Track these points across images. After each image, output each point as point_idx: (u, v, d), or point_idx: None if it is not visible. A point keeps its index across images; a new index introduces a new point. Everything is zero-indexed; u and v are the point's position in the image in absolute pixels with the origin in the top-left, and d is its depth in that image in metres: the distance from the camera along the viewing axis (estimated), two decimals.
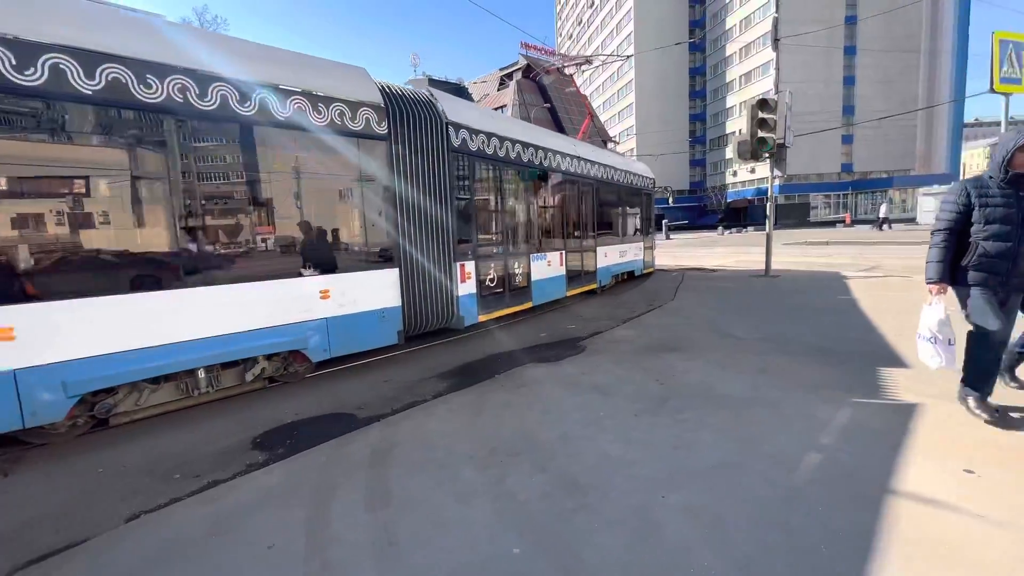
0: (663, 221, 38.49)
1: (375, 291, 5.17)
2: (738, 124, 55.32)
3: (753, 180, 55.99)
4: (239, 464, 3.38)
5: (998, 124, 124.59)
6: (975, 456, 3.00)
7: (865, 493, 2.64)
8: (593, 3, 75.38)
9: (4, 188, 3.11)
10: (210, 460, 3.45)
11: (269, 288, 4.30)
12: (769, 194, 12.15)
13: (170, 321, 3.76)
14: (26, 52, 3.10)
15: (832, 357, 5.12)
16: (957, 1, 68.10)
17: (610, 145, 60.01)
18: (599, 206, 9.96)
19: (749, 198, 56.52)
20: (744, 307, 8.09)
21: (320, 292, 4.67)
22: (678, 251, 23.89)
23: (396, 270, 5.39)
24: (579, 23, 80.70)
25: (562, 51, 65.62)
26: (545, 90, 47.98)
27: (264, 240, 4.32)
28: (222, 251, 4.08)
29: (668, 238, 35.72)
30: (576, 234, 9.13)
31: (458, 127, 6.14)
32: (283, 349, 4.48)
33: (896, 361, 4.88)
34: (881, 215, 27.60)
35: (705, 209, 65.01)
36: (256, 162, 4.22)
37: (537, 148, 7.78)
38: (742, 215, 56.61)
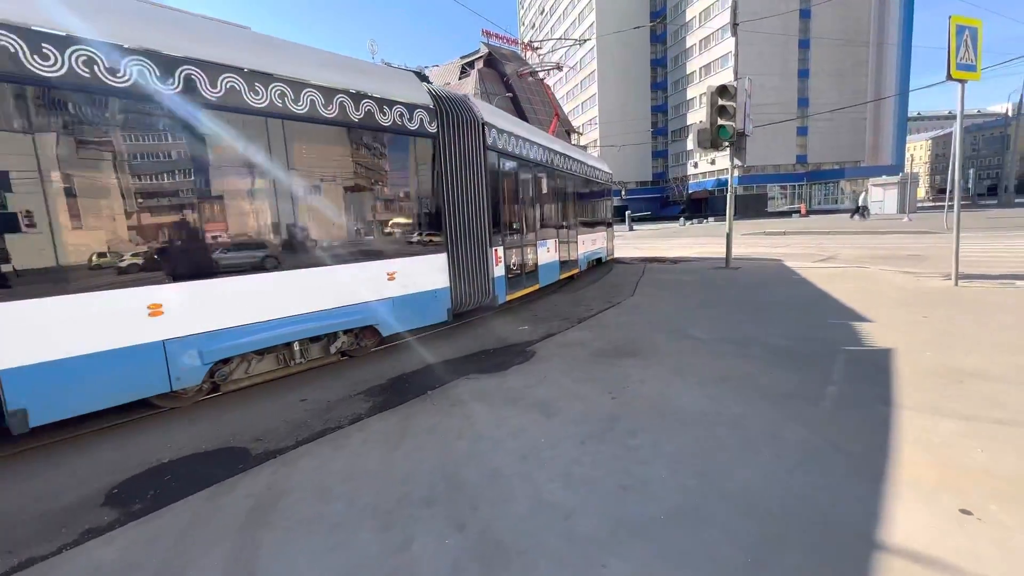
0: (627, 212, 38.50)
1: (429, 273, 5.85)
2: (699, 116, 55.94)
3: (713, 171, 56.84)
4: (74, 530, 2.63)
5: (940, 118, 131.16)
6: (970, 489, 2.55)
7: (848, 550, 2.14)
8: None
9: (160, 190, 3.71)
10: (39, 523, 2.69)
11: (350, 271, 4.93)
12: (729, 185, 11.88)
13: (277, 300, 4.38)
14: (257, 79, 4.18)
15: (797, 359, 4.70)
16: (900, 1, 70.78)
17: (574, 137, 59.80)
18: (579, 199, 10.99)
19: (709, 189, 57.38)
20: (705, 303, 7.69)
21: (387, 275, 5.33)
22: (641, 242, 23.77)
23: (444, 254, 6.07)
24: (541, 12, 79.85)
25: (525, 40, 64.67)
26: (507, 79, 47.12)
27: (346, 228, 4.96)
28: (317, 238, 4.68)
29: (631, 229, 35.70)
30: (565, 224, 10.07)
31: (490, 127, 6.78)
32: (360, 324, 5.15)
33: (865, 363, 4.49)
34: (860, 203, 28.08)
35: (667, 200, 65.77)
36: (340, 161, 4.85)
37: (544, 147, 8.77)
38: (703, 206, 57.45)
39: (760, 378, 4.27)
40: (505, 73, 47.92)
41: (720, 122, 10.99)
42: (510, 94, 43.94)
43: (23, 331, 3.10)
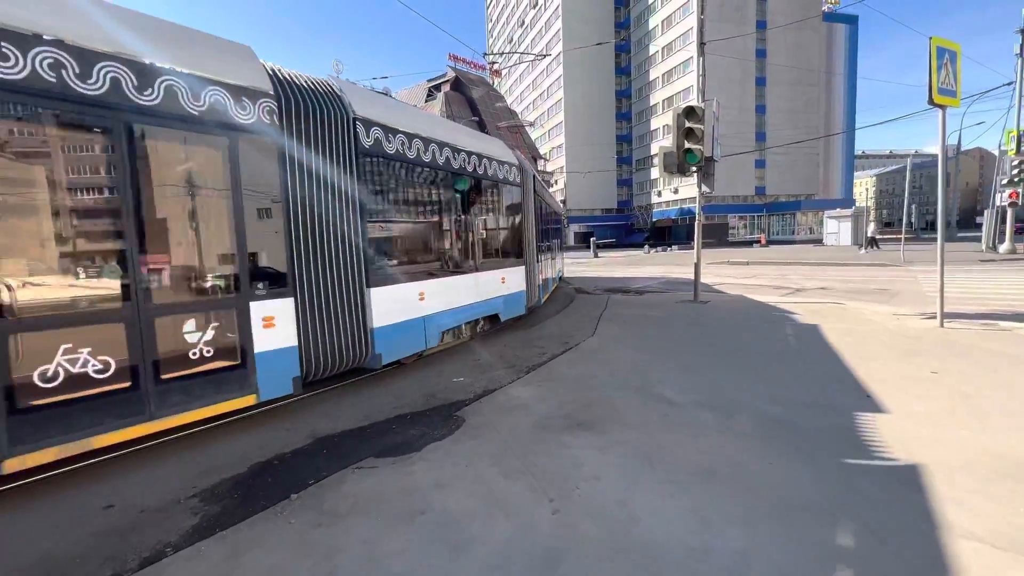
0: (591, 239, 37.97)
1: (516, 279, 8.12)
2: (663, 145, 57.01)
3: (677, 200, 57.67)
4: None
5: (883, 156, 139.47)
6: None
7: None
8: (523, 22, 75.85)
9: (436, 227, 6.25)
10: None
11: (488, 275, 7.22)
12: (697, 212, 11.09)
13: (463, 293, 6.66)
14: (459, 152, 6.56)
15: (799, 438, 3.58)
16: (846, 46, 75.27)
17: (540, 163, 59.80)
18: (543, 222, 10.88)
19: (673, 218, 58.11)
20: (675, 346, 6.61)
21: (501, 279, 7.62)
22: (604, 269, 23.06)
23: (524, 267, 8.38)
24: (509, 41, 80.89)
25: (494, 66, 64.81)
26: (474, 103, 46.69)
27: (488, 248, 7.36)
28: (481, 253, 7.10)
29: (596, 256, 35.12)
30: (540, 245, 10.38)
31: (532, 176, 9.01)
32: (492, 312, 7.37)
33: (890, 443, 3.41)
34: (869, 234, 27.72)
35: (632, 228, 66.33)
36: (486, 203, 7.35)
37: (543, 184, 9.91)
38: (667, 234, 58.02)
39: (760, 473, 3.10)
40: (471, 97, 47.52)
41: (687, 145, 10.22)
42: (476, 117, 43.40)
43: (383, 306, 5.06)
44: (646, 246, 42.20)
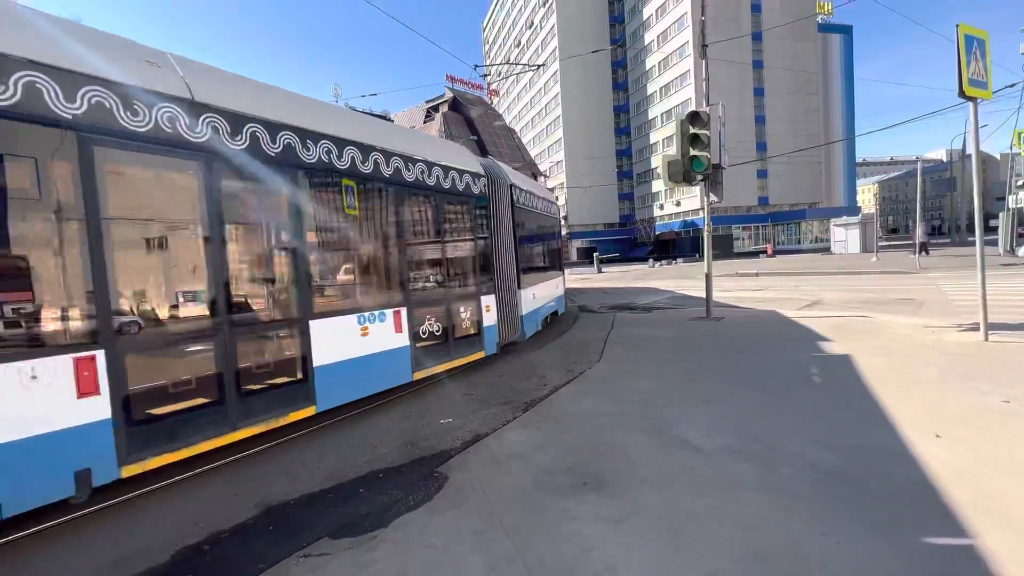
0: (594, 254, 37.33)
1: (559, 285, 11.44)
2: (659, 160, 56.64)
3: (679, 213, 57.09)
4: None
5: (883, 163, 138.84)
6: None
7: None
8: (519, 42, 76.55)
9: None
10: None
11: (553, 279, 10.81)
12: (706, 222, 10.46)
13: (543, 293, 9.60)
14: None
15: (865, 500, 2.84)
16: (841, 55, 75.45)
17: (540, 179, 59.59)
18: (548, 240, 11.30)
19: (677, 231, 57.43)
20: (691, 373, 5.87)
21: (555, 284, 10.99)
22: (609, 285, 22.34)
23: (562, 275, 12.00)
24: (506, 62, 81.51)
25: (492, 86, 65.19)
26: (472, 123, 46.60)
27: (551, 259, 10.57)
28: (548, 262, 10.53)
29: (600, 271, 34.44)
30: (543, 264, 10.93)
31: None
32: (555, 310, 10.82)
33: (988, 508, 2.66)
34: (919, 239, 26.79)
35: (635, 242, 65.65)
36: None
37: (532, 194, 9.78)
38: (671, 247, 57.27)
39: (827, 559, 2.35)
40: (470, 116, 47.50)
41: (693, 152, 9.62)
42: (475, 137, 43.20)
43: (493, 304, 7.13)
44: (650, 260, 41.45)
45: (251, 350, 4.04)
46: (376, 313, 5.19)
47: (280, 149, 4.30)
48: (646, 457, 3.59)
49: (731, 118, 50.55)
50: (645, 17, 60.04)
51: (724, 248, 49.58)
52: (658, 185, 60.29)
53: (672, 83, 56.00)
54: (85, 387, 3.06)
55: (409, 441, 4.27)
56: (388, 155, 5.44)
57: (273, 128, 4.25)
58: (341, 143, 4.90)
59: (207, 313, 3.80)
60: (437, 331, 6.06)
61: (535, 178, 51.06)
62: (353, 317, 4.92)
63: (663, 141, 58.65)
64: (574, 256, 63.91)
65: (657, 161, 59.19)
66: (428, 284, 6.10)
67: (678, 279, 23.51)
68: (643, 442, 3.87)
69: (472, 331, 6.73)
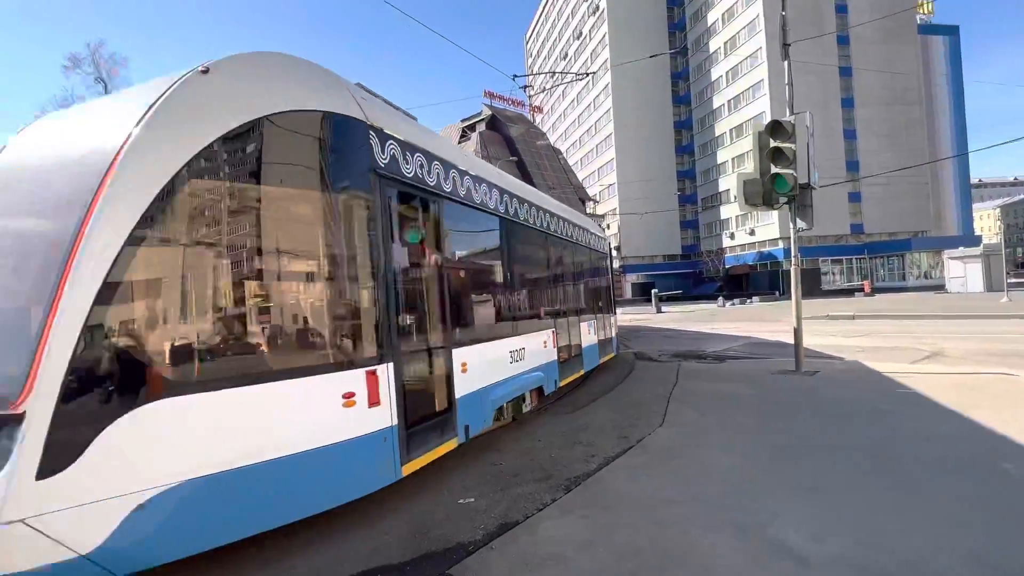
0: (653, 291, 36.48)
1: (607, 327, 12.41)
2: (731, 182, 55.60)
3: (754, 243, 55.51)
4: None
5: (1005, 184, 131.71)
6: None
7: None
8: (566, 55, 78.52)
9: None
10: None
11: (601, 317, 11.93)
12: (793, 254, 9.90)
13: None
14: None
15: None
16: (947, 60, 73.13)
17: (589, 205, 59.67)
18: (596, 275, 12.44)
19: (750, 264, 55.78)
20: (784, 446, 5.23)
21: (600, 326, 11.69)
22: (671, 326, 21.73)
23: (614, 315, 13.33)
24: (551, 76, 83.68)
25: (534, 103, 66.76)
26: (512, 142, 47.53)
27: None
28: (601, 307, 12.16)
29: (660, 311, 33.52)
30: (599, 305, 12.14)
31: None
32: (611, 354, 12.52)
33: None
34: None
35: (702, 277, 64.17)
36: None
37: (584, 231, 11.40)
38: (744, 283, 55.58)
39: None
40: (510, 136, 48.46)
41: (775, 170, 9.17)
42: (515, 157, 43.97)
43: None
44: (720, 298, 40.15)
45: (417, 375, 4.83)
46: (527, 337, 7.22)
47: (490, 201, 6.55)
48: (732, 570, 3.01)
49: (816, 132, 49.43)
50: (710, 23, 60.47)
51: (810, 285, 47.52)
52: (728, 211, 59.10)
53: (743, 95, 55.61)
54: (374, 398, 4.06)
55: (419, 528, 3.84)
56: (539, 210, 8.49)
57: (493, 187, 6.68)
58: (527, 203, 7.89)
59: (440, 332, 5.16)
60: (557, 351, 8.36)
61: (583, 204, 51.37)
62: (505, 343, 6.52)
63: (732, 161, 57.90)
64: (628, 292, 62.97)
65: (726, 183, 58.25)
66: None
67: (754, 322, 22.65)
68: (725, 546, 3.29)
69: (575, 353, 9.44)
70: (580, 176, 67.84)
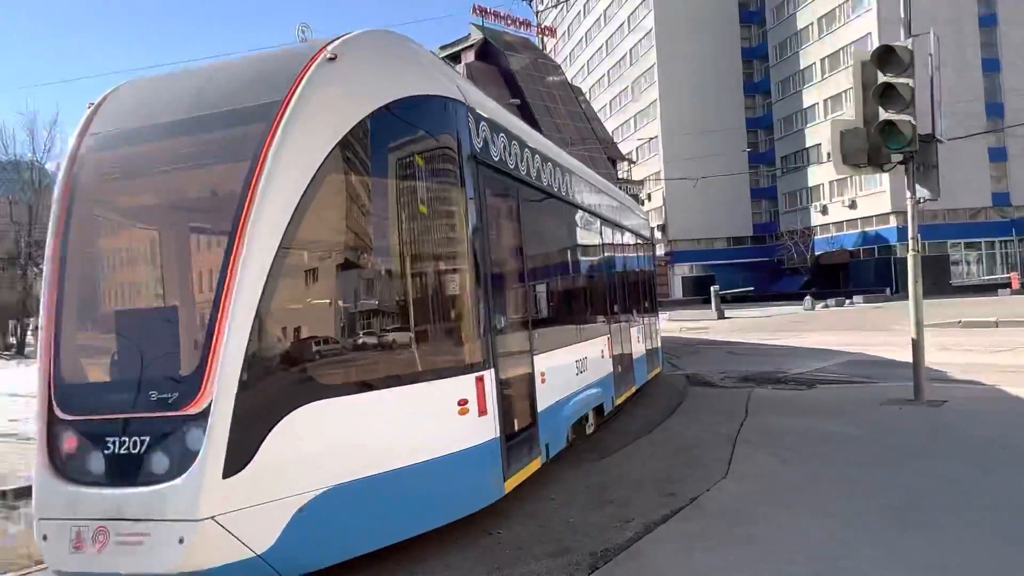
0: (712, 288, 36.66)
1: (648, 336, 13.31)
2: (823, 132, 55.69)
3: (855, 220, 55.78)
4: None
5: None
6: None
7: None
8: None
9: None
10: None
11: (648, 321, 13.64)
12: (910, 235, 10.00)
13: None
14: None
15: None
16: None
17: (621, 168, 59.95)
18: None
19: (850, 249, 55.98)
20: (904, 512, 5.36)
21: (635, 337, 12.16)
22: (738, 338, 22.09)
23: (657, 319, 15.18)
24: None
25: (543, 22, 66.89)
26: (512, 78, 47.72)
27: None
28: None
29: (722, 316, 33.69)
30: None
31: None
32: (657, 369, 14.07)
33: None
34: None
35: (781, 268, 64.46)
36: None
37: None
38: (841, 277, 55.82)
39: None
40: (509, 69, 48.62)
41: (886, 116, 9.28)
42: (516, 100, 44.08)
43: None
44: (807, 298, 40.34)
45: (508, 383, 5.93)
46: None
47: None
48: None
49: (944, 63, 49.56)
50: None
51: (934, 278, 47.79)
52: (818, 175, 59.40)
53: (839, 9, 55.80)
54: (482, 406, 5.12)
55: None
56: (595, 190, 10.30)
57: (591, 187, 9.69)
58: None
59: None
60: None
61: (613, 166, 51.56)
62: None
63: (824, 104, 58.09)
64: (677, 290, 63.37)
65: (816, 135, 58.43)
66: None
67: (855, 331, 23.01)
68: None
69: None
70: (609, 127, 68.35)
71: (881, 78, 9.30)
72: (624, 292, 11.27)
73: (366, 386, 4.59)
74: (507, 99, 43.37)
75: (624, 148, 65.69)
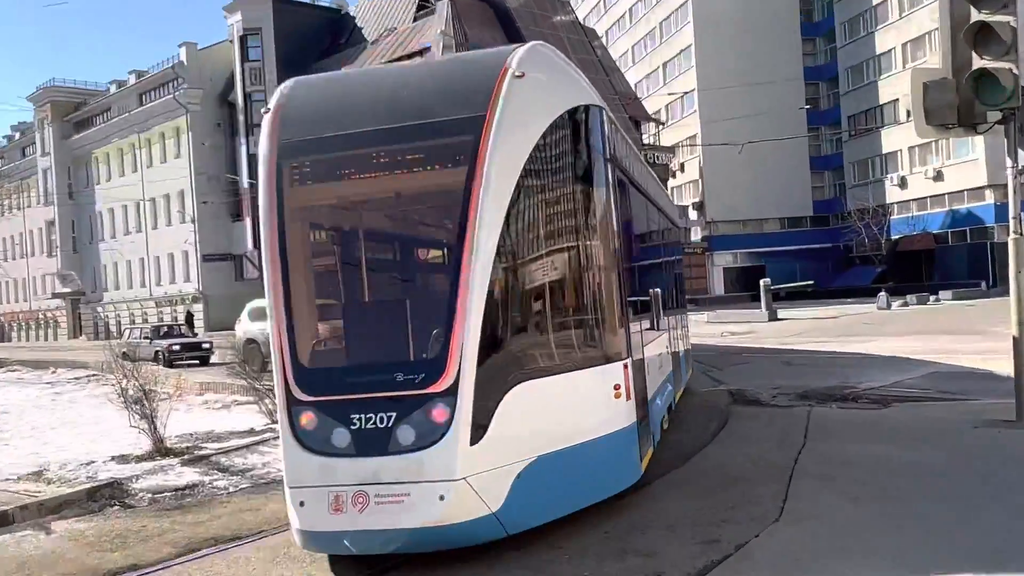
0: (762, 283, 36.68)
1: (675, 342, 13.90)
2: (901, 84, 55.69)
3: (941, 196, 55.91)
4: None
5: None
6: None
7: None
8: None
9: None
10: None
11: (683, 316, 16.80)
12: (1011, 212, 9.93)
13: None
14: None
15: None
16: None
17: (648, 129, 59.89)
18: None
19: (934, 232, 56.07)
20: (1007, 560, 5.37)
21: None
22: (794, 345, 22.30)
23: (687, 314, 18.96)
24: None
25: None
26: (508, 17, 47.68)
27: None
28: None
29: (774, 317, 33.76)
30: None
31: None
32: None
33: None
34: None
35: (849, 256, 64.58)
36: None
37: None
38: (924, 267, 55.96)
39: None
40: (504, 4, 48.49)
41: (981, 63, 9.28)
42: (517, 45, 43.99)
43: None
44: (881, 294, 40.44)
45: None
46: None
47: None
48: None
49: None
50: None
51: None
52: (894, 139, 59.59)
53: None
54: (628, 391, 6.99)
55: None
56: (649, 175, 12.41)
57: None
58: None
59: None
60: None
61: (636, 127, 51.56)
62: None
63: (902, 49, 58.12)
64: (717, 285, 63.60)
65: (891, 89, 58.45)
66: None
67: (941, 335, 23.25)
68: None
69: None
70: (630, 79, 68.34)
71: (975, 15, 9.33)
72: (663, 279, 12.81)
73: (556, 370, 6.47)
74: (501, 42, 43.50)
75: (650, 106, 65.77)
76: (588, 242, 7.09)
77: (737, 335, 27.83)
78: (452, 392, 5.53)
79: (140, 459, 11.38)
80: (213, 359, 30.79)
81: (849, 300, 46.10)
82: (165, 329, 37.14)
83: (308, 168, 6.62)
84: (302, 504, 5.67)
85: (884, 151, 61.36)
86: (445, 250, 6.62)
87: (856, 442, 9.27)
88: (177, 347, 31.91)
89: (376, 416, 5.60)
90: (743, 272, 62.45)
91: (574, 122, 6.89)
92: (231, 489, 9.68)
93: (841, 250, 65.30)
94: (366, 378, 5.95)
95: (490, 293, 5.80)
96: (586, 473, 6.53)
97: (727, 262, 65.82)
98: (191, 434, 13.62)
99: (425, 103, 6.52)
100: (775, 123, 60.61)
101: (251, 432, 13.69)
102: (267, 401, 13.87)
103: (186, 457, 11.47)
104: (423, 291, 7.31)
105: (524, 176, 6.17)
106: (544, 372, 6.32)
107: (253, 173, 58.44)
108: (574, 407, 6.60)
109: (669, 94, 68.54)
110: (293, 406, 5.82)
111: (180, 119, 61.63)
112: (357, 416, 5.63)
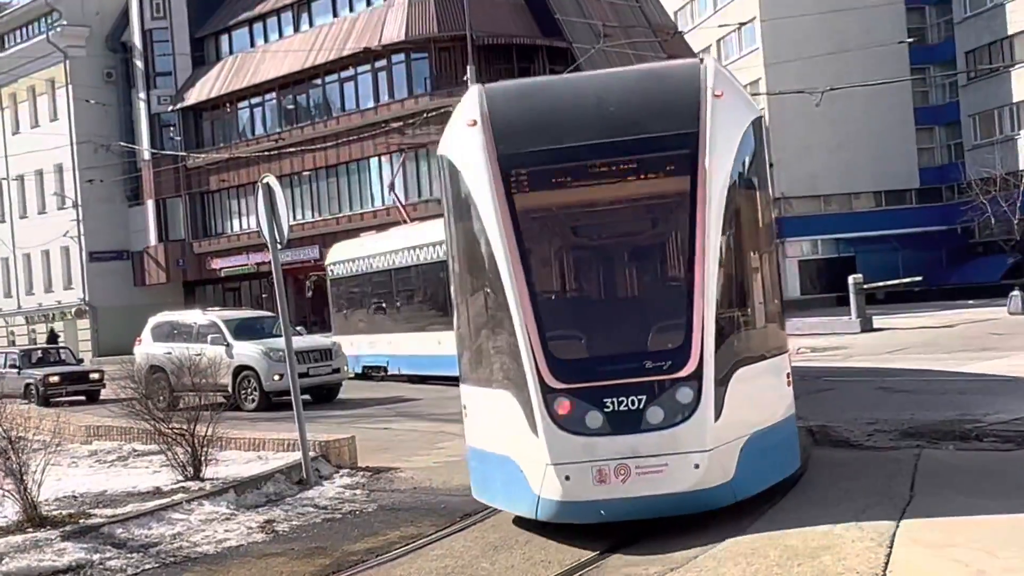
0: (851, 280, 36.59)
1: None
2: None
3: None
4: None
5: None
6: None
7: None
8: None
9: None
10: None
11: None
12: None
13: None
14: None
15: None
16: None
17: (706, 64, 59.51)
18: None
19: None
20: None
21: None
22: (893, 363, 22.48)
23: None
24: None
25: None
26: None
27: None
28: None
29: (868, 326, 33.71)
30: None
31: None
32: None
33: None
34: None
35: (970, 242, 64.44)
36: None
37: None
38: None
39: None
40: None
41: None
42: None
43: None
44: (1015, 294, 40.28)
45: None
46: None
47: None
48: None
49: None
50: None
51: None
52: None
53: None
54: (791, 380, 10.51)
55: None
56: None
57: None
58: None
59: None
60: None
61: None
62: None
63: None
64: (792, 284, 63.49)
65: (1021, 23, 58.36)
66: None
67: None
68: None
69: None
70: (669, 6, 68.28)
71: None
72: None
73: (761, 357, 9.66)
74: None
75: (696, 42, 65.77)
76: (768, 240, 10.60)
77: (819, 351, 27.84)
78: (697, 376, 8.44)
79: (5, 532, 11.01)
80: (105, 394, 30.42)
81: (970, 302, 46.13)
82: (39, 354, 36.47)
83: (537, 177, 9.41)
84: (567, 478, 8.24)
85: (1015, 100, 61.28)
86: (676, 251, 9.56)
87: (981, 496, 9.13)
88: (56, 378, 31.33)
89: (628, 399, 8.30)
90: (826, 266, 62.44)
91: (755, 132, 9.89)
92: (130, 571, 9.64)
93: (959, 235, 65.12)
94: (616, 366, 8.71)
95: (717, 290, 8.78)
96: (777, 452, 9.56)
97: (803, 252, 65.55)
98: (76, 496, 13.62)
99: (635, 118, 9.53)
100: (866, 64, 60.64)
101: (157, 492, 13.45)
102: (177, 450, 13.80)
103: (69, 528, 11.10)
104: (659, 288, 10.71)
105: (732, 184, 9.03)
106: (755, 359, 9.45)
107: (162, 143, 58.16)
108: (771, 389, 9.89)
109: (721, 25, 67.99)
110: (547, 393, 8.35)
111: (56, 67, 60.81)
112: (610, 400, 8.32)
